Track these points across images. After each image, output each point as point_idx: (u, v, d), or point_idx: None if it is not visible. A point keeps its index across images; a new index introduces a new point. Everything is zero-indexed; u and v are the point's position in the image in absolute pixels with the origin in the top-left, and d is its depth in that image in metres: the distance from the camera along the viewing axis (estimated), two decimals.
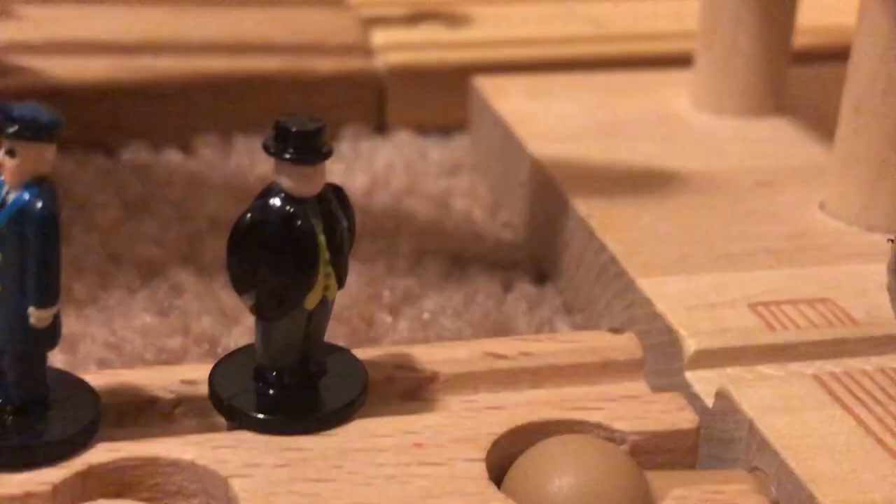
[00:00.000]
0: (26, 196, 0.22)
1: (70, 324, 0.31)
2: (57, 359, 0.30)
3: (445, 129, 0.44)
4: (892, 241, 0.25)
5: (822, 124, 0.38)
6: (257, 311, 0.25)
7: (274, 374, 0.25)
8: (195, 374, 0.25)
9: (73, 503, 0.22)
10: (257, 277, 0.24)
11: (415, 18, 0.47)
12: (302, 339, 0.25)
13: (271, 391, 0.25)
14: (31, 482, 0.22)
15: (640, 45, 0.46)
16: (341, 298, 0.33)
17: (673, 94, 0.41)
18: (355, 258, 0.36)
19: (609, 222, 0.32)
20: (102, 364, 0.30)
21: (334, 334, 0.32)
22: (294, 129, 0.23)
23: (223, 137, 0.42)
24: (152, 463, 0.23)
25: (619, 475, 0.23)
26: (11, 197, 0.22)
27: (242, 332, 0.31)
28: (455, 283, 0.35)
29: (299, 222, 0.24)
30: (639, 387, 0.26)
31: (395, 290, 0.34)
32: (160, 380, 0.25)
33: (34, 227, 0.22)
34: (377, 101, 0.44)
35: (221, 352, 0.31)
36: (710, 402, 0.26)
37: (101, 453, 0.23)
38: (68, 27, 0.43)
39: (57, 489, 0.22)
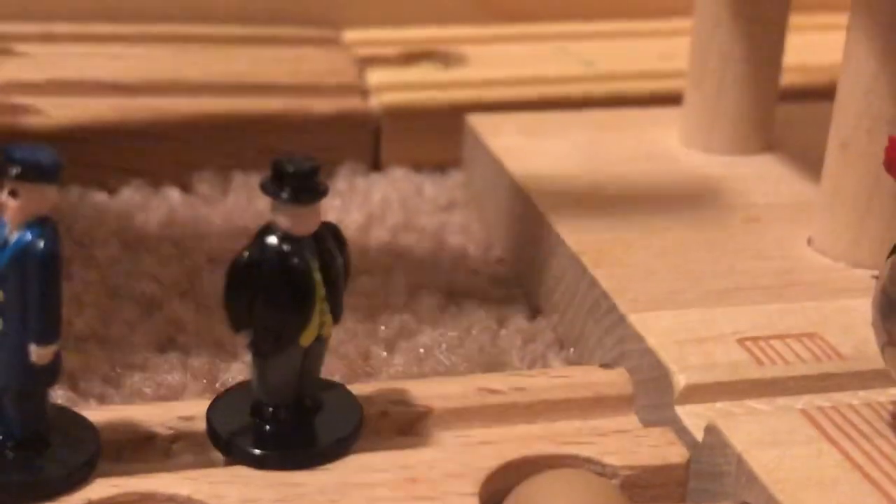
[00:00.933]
0: (28, 236, 0.23)
1: (70, 359, 0.32)
2: (57, 394, 0.31)
3: (440, 168, 0.44)
4: (877, 277, 0.25)
5: (810, 161, 0.39)
6: (254, 347, 0.25)
7: (270, 410, 0.25)
8: (193, 410, 0.26)
9: None
10: (254, 315, 0.25)
11: (409, 58, 0.48)
12: (298, 376, 0.25)
13: (268, 427, 0.25)
14: None
15: (630, 85, 0.46)
16: (337, 333, 0.34)
17: (663, 131, 0.41)
18: (351, 293, 0.36)
19: (600, 258, 0.33)
20: (102, 399, 0.31)
21: (330, 369, 0.32)
22: (290, 170, 0.24)
23: (221, 176, 0.42)
24: (150, 498, 0.24)
25: None
26: (14, 237, 0.23)
27: (241, 368, 0.32)
28: (450, 319, 0.35)
29: (295, 260, 0.24)
30: (630, 421, 0.27)
31: (391, 325, 0.34)
32: (159, 415, 0.26)
33: (36, 266, 0.22)
34: (373, 140, 0.44)
35: (220, 387, 0.31)
36: (699, 436, 0.26)
37: (100, 488, 0.23)
38: (68, 67, 0.44)
39: None
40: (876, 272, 0.31)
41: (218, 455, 0.25)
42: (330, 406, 0.26)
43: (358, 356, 0.33)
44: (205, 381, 0.31)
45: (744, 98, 0.39)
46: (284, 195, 0.24)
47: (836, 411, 0.26)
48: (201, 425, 0.25)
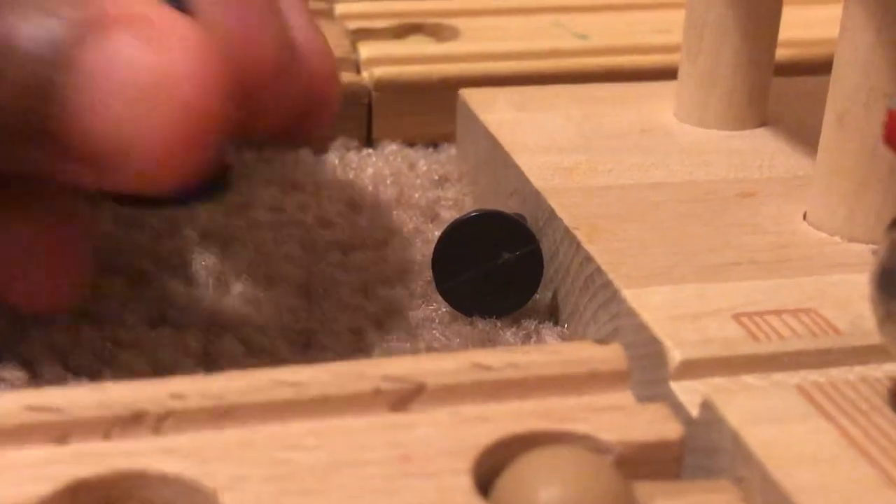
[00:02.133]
0: None
1: (61, 335, 0.32)
2: (44, 370, 0.30)
3: (432, 143, 0.44)
4: (876, 252, 0.25)
5: (806, 136, 0.38)
6: None
7: None
8: (184, 387, 0.25)
9: None
10: None
11: (401, 32, 0.47)
12: None
13: None
14: (16, 497, 0.22)
15: (625, 59, 0.46)
16: (330, 309, 0.33)
17: (658, 106, 0.41)
18: (343, 268, 0.36)
19: (594, 233, 0.33)
20: (93, 376, 0.30)
21: (322, 343, 0.32)
22: None
23: None
24: (140, 476, 0.23)
25: (605, 486, 0.23)
26: None
27: (231, 341, 0.32)
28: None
29: None
30: (624, 397, 0.27)
31: (383, 300, 0.34)
32: (149, 392, 0.25)
33: None
34: (365, 114, 0.44)
35: (212, 363, 0.31)
36: (694, 412, 0.26)
37: (89, 467, 0.23)
38: None
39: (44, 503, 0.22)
40: (875, 246, 0.31)
41: (209, 433, 0.25)
42: None
43: (350, 332, 0.33)
44: (197, 357, 0.31)
45: (739, 72, 0.39)
46: None
47: (833, 387, 0.26)
48: (192, 403, 0.25)
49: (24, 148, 0.24)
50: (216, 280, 0.35)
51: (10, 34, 0.23)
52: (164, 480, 0.23)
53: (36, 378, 0.30)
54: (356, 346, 0.32)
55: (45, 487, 0.23)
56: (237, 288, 0.34)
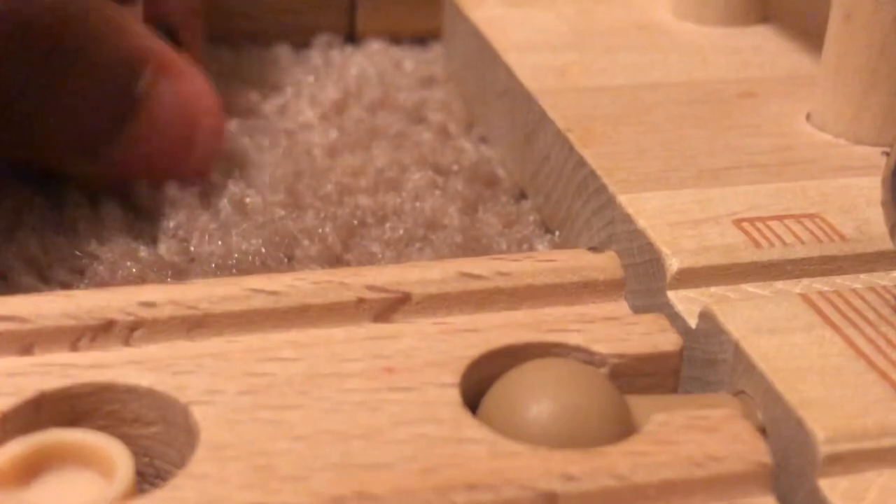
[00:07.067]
0: None
1: (33, 247, 0.30)
2: (22, 280, 0.29)
3: (419, 39, 0.42)
4: (887, 153, 0.24)
5: (810, 33, 0.37)
6: None
7: None
8: (155, 296, 0.24)
9: (25, 431, 0.21)
10: None
11: None
12: None
13: None
14: None
15: None
16: (316, 216, 0.32)
17: (654, 1, 0.40)
18: (329, 171, 0.34)
19: (588, 136, 0.31)
20: (67, 287, 0.29)
21: (308, 253, 0.31)
22: None
23: None
24: (108, 389, 0.22)
25: (599, 400, 0.22)
26: None
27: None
28: (429, 200, 0.33)
29: None
30: (619, 307, 0.25)
31: (369, 207, 0.33)
32: (119, 301, 0.24)
33: None
34: (348, 7, 0.42)
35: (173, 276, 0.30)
36: (693, 322, 0.25)
37: (55, 379, 0.22)
38: None
39: (7, 417, 0.21)
40: (883, 148, 0.30)
41: (182, 343, 0.24)
42: None
43: (336, 238, 0.32)
44: (170, 272, 0.30)
45: None
46: None
47: (838, 296, 0.25)
48: (165, 312, 0.24)
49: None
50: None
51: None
52: (133, 393, 0.22)
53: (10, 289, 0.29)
54: (343, 256, 0.31)
55: (8, 400, 0.21)
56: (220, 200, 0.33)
